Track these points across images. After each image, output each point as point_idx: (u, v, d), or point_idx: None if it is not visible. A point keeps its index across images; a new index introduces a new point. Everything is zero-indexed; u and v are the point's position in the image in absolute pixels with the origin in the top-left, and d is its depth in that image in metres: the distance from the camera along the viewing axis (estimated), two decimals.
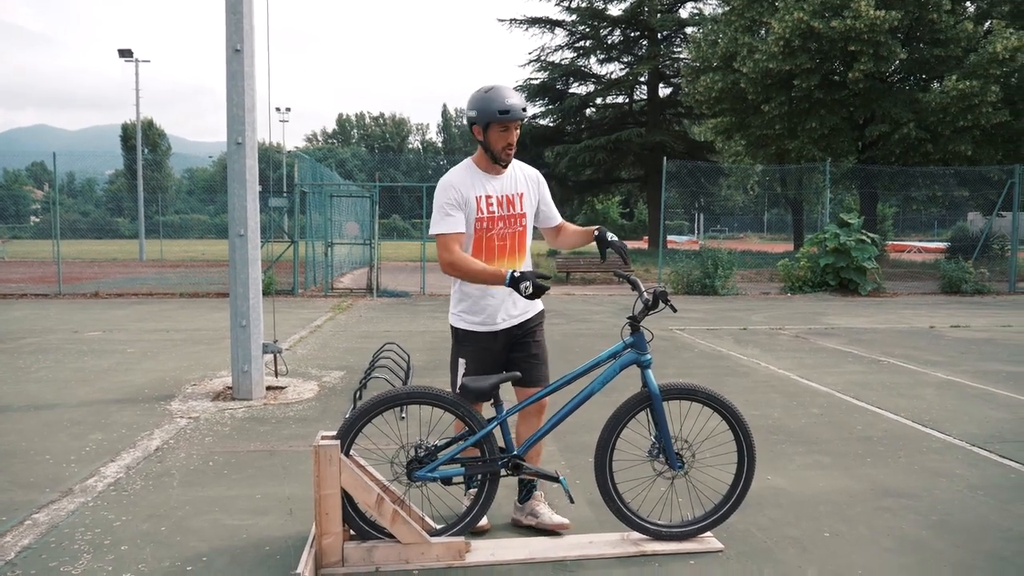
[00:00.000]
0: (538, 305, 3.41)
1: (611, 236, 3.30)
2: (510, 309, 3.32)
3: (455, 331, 3.38)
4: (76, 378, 6.74)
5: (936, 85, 21.47)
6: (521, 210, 3.32)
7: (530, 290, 2.96)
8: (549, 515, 3.35)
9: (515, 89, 3.18)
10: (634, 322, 3.15)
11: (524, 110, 3.12)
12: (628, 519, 3.19)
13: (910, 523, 3.51)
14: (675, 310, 3.20)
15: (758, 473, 4.14)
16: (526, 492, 3.42)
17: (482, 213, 3.25)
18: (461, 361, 3.34)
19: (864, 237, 15.85)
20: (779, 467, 4.33)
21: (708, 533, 3.27)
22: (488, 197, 3.26)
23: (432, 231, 3.20)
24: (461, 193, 3.22)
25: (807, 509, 3.69)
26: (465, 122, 3.32)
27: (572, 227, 3.51)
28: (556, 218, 3.49)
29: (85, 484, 3.98)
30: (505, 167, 3.27)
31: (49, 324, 10.51)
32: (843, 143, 23.09)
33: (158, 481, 4.04)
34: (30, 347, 8.44)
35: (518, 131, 3.21)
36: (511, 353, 3.36)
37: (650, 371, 3.16)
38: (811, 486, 4.02)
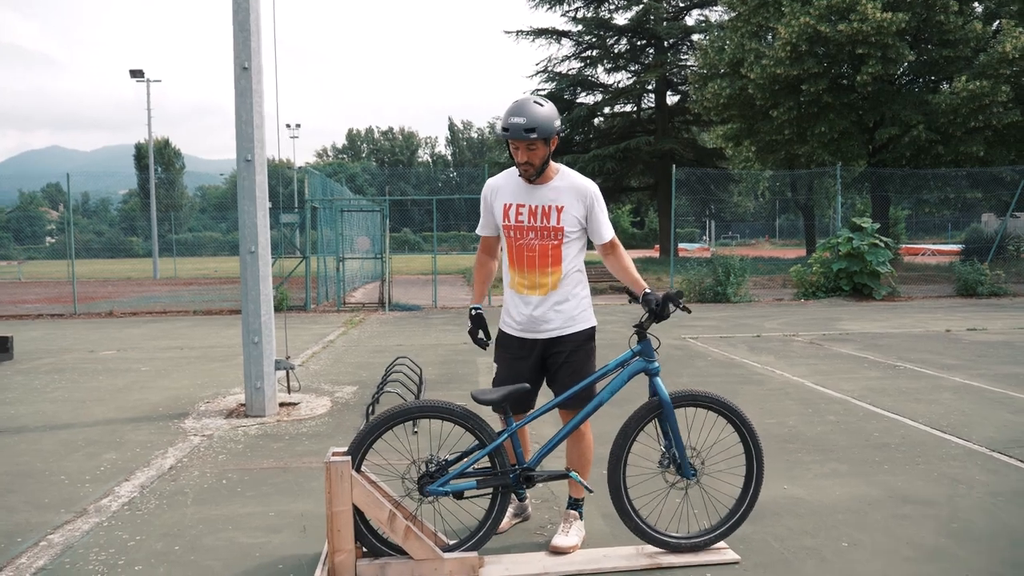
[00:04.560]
0: (561, 322, 3.27)
1: (657, 299, 3.10)
2: (514, 315, 3.32)
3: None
4: (91, 397, 6.78)
5: (946, 86, 21.34)
6: (558, 223, 3.19)
7: (474, 334, 3.28)
8: (559, 536, 3.30)
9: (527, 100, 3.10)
10: (640, 329, 3.14)
11: (531, 131, 2.99)
12: (644, 534, 3.15)
13: (930, 531, 3.46)
14: (688, 311, 3.19)
15: (775, 482, 4.12)
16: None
17: (509, 221, 3.24)
18: (495, 365, 3.40)
19: (877, 241, 15.75)
20: (796, 476, 4.29)
21: (723, 544, 3.24)
22: (520, 206, 3.21)
23: None
24: (488, 198, 3.32)
25: (824, 518, 3.64)
26: None
27: (623, 260, 3.33)
28: (602, 236, 3.29)
29: (99, 504, 3.99)
30: (531, 181, 3.20)
31: (65, 344, 10.59)
32: (853, 147, 22.99)
33: (172, 500, 4.04)
34: (46, 367, 8.51)
35: (537, 150, 3.07)
36: (547, 366, 3.35)
37: (659, 379, 3.13)
38: (828, 495, 3.97)
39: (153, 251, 35.41)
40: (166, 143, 79.36)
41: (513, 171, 3.29)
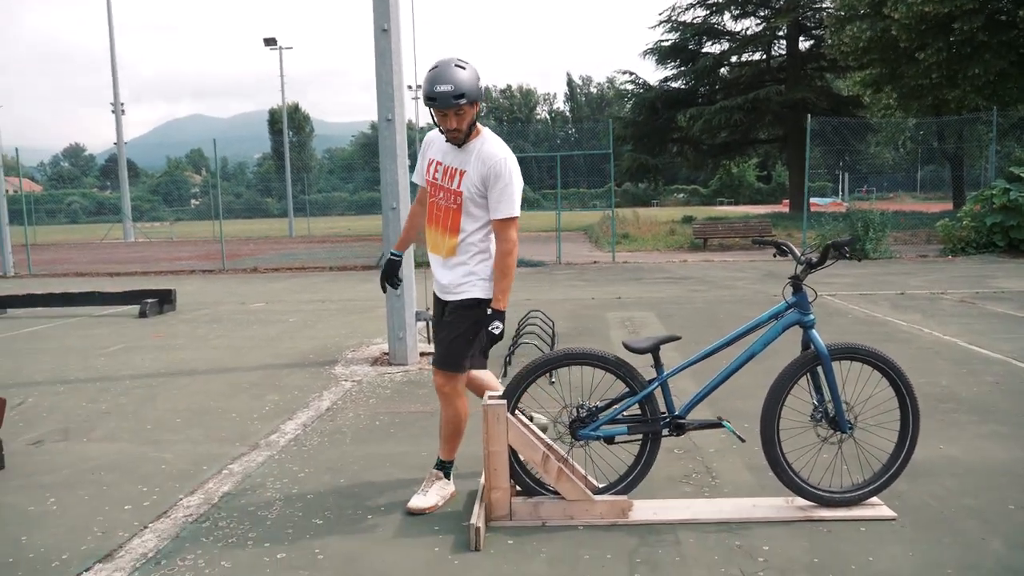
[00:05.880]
0: (446, 287, 3.28)
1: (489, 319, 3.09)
2: (433, 270, 3.38)
3: None
4: (248, 345, 7.33)
5: None
6: (457, 187, 3.16)
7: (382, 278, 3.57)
8: (416, 497, 3.32)
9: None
10: (797, 281, 3.08)
11: (460, 96, 2.92)
12: (797, 487, 3.11)
13: None
14: (859, 259, 3.11)
15: (929, 441, 3.97)
16: None
17: (429, 176, 3.28)
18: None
19: None
20: (952, 436, 4.10)
21: (878, 500, 3.17)
22: (439, 164, 3.23)
23: None
24: (422, 151, 3.35)
25: (986, 480, 3.48)
26: None
27: (499, 249, 3.17)
28: (493, 212, 3.13)
29: (269, 439, 4.35)
30: (460, 146, 3.13)
31: (218, 297, 11.45)
32: (1012, 90, 21.02)
33: (332, 438, 4.36)
34: (205, 317, 9.24)
35: (465, 115, 3.01)
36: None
37: (815, 331, 3.07)
38: (989, 456, 3.79)
39: (288, 211, 37.34)
40: (296, 108, 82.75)
41: None
